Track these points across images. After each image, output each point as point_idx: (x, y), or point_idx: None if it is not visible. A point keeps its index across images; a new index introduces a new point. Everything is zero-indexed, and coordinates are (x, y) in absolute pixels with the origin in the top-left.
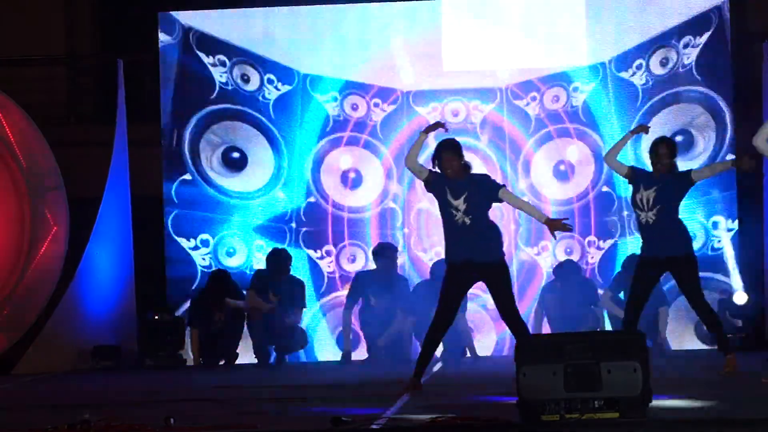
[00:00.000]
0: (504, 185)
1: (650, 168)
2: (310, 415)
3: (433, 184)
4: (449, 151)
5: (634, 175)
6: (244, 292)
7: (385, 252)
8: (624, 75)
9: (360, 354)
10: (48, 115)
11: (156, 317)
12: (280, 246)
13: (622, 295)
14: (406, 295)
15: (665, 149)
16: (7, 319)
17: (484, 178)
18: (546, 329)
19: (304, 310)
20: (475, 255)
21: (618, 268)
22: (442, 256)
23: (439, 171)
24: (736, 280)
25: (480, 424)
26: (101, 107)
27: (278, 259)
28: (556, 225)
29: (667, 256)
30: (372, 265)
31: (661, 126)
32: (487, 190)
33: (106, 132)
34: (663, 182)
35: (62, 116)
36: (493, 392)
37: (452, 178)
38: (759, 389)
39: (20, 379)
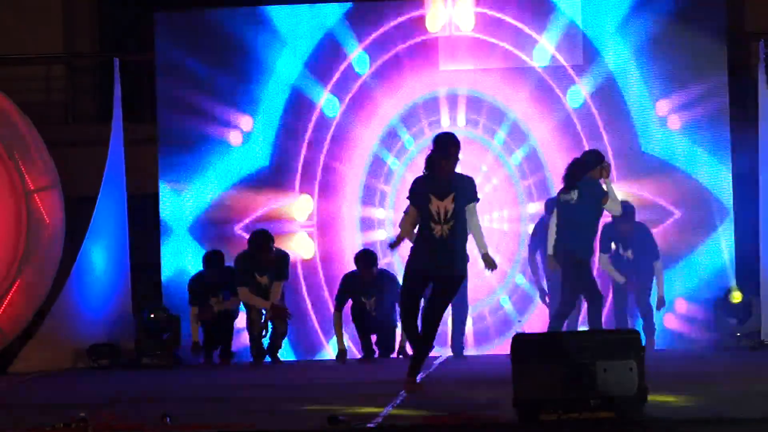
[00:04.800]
0: (478, 200)
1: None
2: (306, 414)
3: (414, 194)
4: (454, 144)
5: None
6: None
7: (364, 259)
8: None
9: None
10: (46, 114)
11: (152, 316)
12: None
13: (613, 245)
14: (396, 292)
15: None
16: (4, 318)
17: (471, 181)
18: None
19: (285, 282)
20: (441, 270)
21: None
22: None
23: (427, 169)
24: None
25: (479, 424)
26: (99, 106)
27: (259, 239)
28: (488, 261)
29: None
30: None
31: None
32: (471, 194)
33: (104, 131)
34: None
35: (60, 115)
36: (492, 392)
37: (438, 177)
38: (758, 389)
39: (16, 377)
